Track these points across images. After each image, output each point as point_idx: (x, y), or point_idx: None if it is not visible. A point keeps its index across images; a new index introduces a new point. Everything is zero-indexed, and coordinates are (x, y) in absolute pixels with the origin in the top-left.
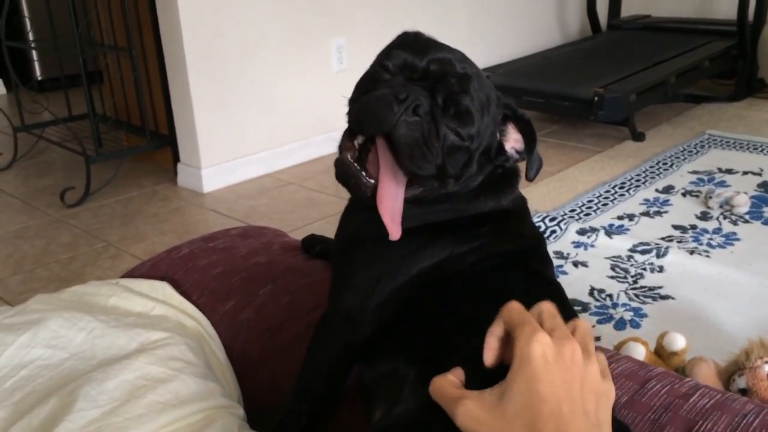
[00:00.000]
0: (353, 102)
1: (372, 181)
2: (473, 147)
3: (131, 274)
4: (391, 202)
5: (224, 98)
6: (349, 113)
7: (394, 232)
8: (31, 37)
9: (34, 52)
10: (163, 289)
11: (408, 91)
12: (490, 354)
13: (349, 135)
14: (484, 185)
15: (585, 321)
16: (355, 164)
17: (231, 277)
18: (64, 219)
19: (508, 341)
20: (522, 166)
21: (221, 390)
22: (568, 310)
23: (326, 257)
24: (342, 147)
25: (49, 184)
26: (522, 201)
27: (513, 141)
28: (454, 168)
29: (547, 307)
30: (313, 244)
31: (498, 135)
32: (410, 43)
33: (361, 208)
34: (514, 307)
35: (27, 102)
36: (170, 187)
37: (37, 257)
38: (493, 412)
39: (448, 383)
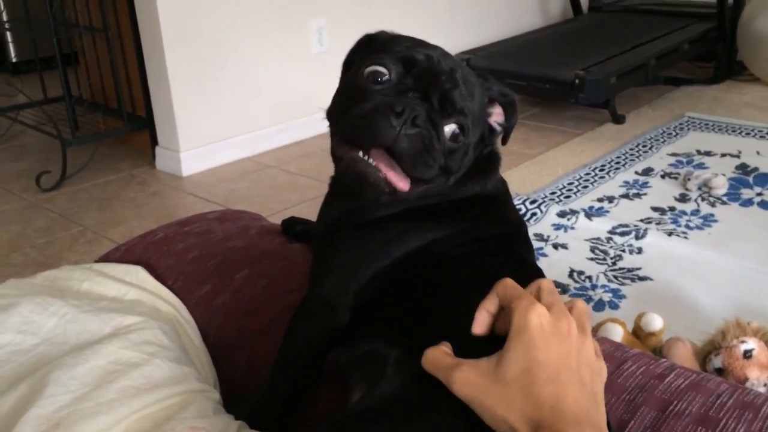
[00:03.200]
0: (340, 114)
1: (383, 175)
2: (470, 141)
3: (105, 258)
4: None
5: (203, 80)
6: (339, 126)
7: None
8: (4, 17)
9: (8, 34)
10: (137, 273)
11: (404, 103)
12: (479, 326)
13: (342, 141)
14: (471, 170)
15: (582, 301)
16: (372, 162)
17: (207, 261)
18: (40, 203)
19: (499, 315)
20: (502, 149)
21: (196, 374)
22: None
23: (306, 239)
24: (341, 152)
25: (25, 168)
26: (504, 185)
27: (495, 116)
28: (455, 164)
29: (546, 284)
30: (293, 224)
31: (487, 119)
32: (385, 45)
33: (341, 197)
34: (509, 282)
35: (1, 85)
36: (148, 171)
37: (12, 242)
38: (490, 377)
39: (442, 353)
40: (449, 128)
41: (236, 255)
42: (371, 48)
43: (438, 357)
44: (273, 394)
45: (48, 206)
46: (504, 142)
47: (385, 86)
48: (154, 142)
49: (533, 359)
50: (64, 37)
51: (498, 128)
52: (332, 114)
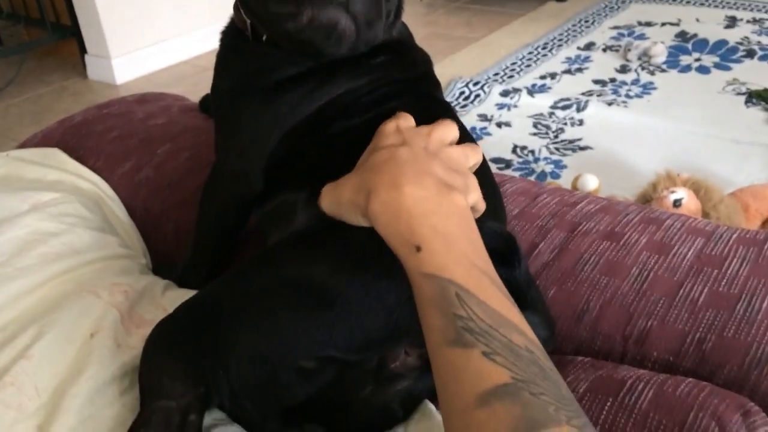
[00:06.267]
0: None
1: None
2: None
3: (22, 146)
4: None
5: None
6: None
7: None
8: None
9: None
10: (55, 155)
11: None
12: None
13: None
14: None
15: (454, 125)
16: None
17: (128, 139)
18: None
19: None
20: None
21: (120, 242)
22: (461, 130)
23: None
24: (288, 8)
25: None
26: (406, 28)
27: None
28: (392, 13)
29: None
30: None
31: None
32: None
33: (242, 57)
34: (401, 114)
35: None
36: (80, 81)
37: None
38: (346, 177)
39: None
40: None
41: (158, 132)
42: None
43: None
44: (197, 261)
45: None
46: None
47: None
48: (83, 50)
49: (376, 145)
50: None
51: None
52: None
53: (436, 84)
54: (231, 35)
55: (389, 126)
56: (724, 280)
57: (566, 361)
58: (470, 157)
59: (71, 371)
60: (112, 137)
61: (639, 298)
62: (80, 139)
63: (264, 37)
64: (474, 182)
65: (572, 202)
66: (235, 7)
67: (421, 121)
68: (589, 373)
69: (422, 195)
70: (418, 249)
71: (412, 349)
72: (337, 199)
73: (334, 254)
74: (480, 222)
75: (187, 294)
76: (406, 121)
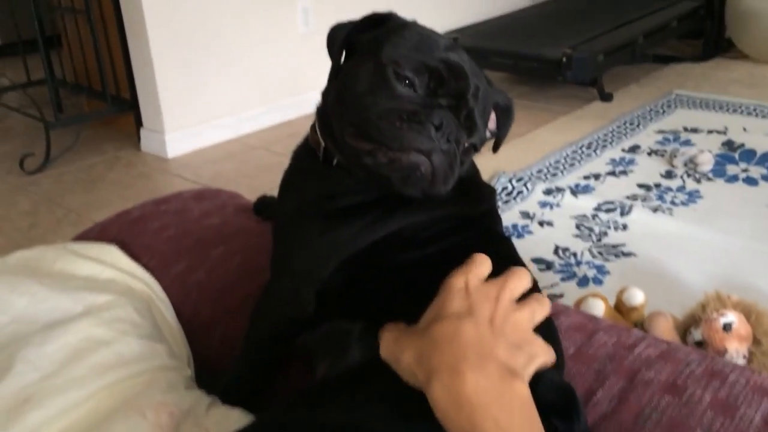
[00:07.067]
0: (359, 108)
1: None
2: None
3: (80, 238)
4: None
5: (187, 61)
6: (360, 121)
7: None
8: None
9: None
10: (111, 252)
11: (442, 117)
12: None
13: (361, 137)
14: None
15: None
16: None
17: (183, 239)
18: (24, 186)
19: None
20: None
21: (168, 350)
22: (519, 266)
23: None
24: (363, 146)
25: (8, 150)
26: (473, 164)
27: (490, 121)
28: (461, 171)
29: (517, 271)
30: (264, 206)
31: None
32: (406, 41)
33: (309, 179)
34: (477, 256)
35: None
36: (134, 153)
37: None
38: (408, 332)
39: (388, 326)
40: (467, 145)
41: (212, 232)
42: (387, 36)
43: (383, 329)
44: (243, 376)
45: (32, 189)
46: (495, 149)
47: (412, 93)
48: (139, 123)
49: (444, 307)
50: (46, 19)
51: (489, 135)
52: (342, 103)
53: (497, 219)
54: (302, 156)
55: (458, 283)
56: None
57: None
58: (537, 314)
59: None
60: (167, 236)
61: None
62: (136, 235)
63: (335, 161)
64: (537, 348)
65: (630, 345)
66: (312, 128)
67: None
68: None
69: (484, 384)
70: None
71: None
72: (395, 357)
73: (387, 400)
74: (538, 372)
75: (230, 414)
76: (477, 270)
